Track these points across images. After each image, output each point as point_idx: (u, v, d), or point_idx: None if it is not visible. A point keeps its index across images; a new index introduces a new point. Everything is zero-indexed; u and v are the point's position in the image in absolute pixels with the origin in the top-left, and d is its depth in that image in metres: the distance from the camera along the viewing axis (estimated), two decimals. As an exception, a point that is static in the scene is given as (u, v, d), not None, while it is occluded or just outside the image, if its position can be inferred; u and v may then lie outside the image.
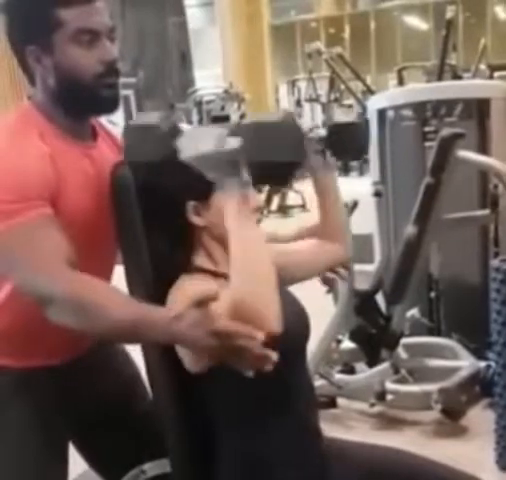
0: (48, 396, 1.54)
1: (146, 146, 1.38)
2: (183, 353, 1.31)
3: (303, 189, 9.31)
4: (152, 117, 1.39)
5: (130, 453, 1.67)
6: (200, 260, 1.44)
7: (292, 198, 9.18)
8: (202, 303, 1.14)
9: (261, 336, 1.15)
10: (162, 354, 1.40)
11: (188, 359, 1.31)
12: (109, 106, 1.49)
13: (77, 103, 1.46)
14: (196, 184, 1.35)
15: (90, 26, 1.41)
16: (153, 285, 1.41)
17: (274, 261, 1.27)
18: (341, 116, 1.59)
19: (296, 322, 1.45)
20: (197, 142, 1.22)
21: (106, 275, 1.61)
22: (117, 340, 1.43)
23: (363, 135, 1.62)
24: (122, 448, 1.68)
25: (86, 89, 1.43)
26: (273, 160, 1.22)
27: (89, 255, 1.42)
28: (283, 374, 1.39)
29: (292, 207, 9.37)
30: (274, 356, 1.17)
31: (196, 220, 1.40)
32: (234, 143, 1.19)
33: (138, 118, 1.53)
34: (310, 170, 1.60)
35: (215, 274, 1.40)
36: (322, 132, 1.56)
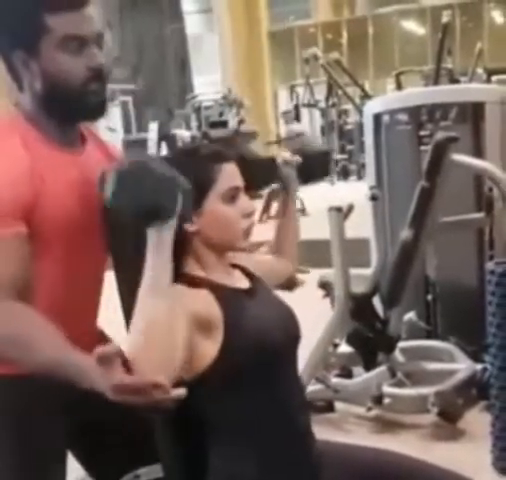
0: (44, 402, 1.54)
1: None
2: None
3: (302, 194, 9.35)
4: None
5: (125, 458, 1.66)
6: (189, 266, 1.44)
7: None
8: (102, 360, 1.10)
9: (163, 381, 1.11)
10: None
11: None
12: (96, 112, 1.49)
13: (64, 109, 1.45)
14: None
15: (78, 33, 1.41)
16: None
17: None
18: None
19: (282, 326, 1.45)
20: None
21: (97, 282, 1.61)
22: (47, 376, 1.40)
23: (329, 161, 1.90)
24: (117, 453, 1.68)
25: (73, 95, 1.43)
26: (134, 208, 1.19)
27: (76, 263, 1.41)
28: (270, 378, 1.39)
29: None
30: (182, 392, 1.14)
31: (188, 226, 1.40)
32: None
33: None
34: (281, 193, 1.78)
35: (203, 281, 1.40)
36: (298, 159, 1.77)
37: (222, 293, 1.39)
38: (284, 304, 1.54)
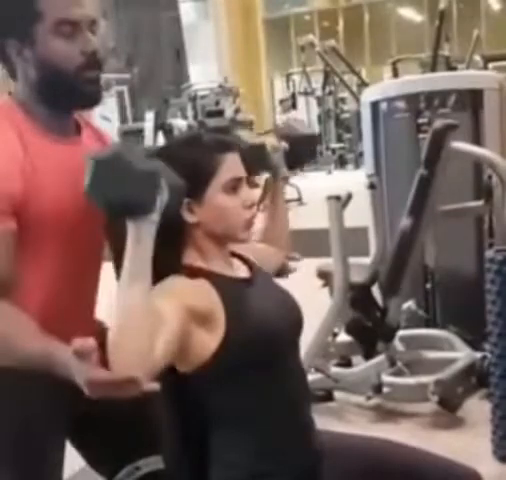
0: (43, 388, 1.53)
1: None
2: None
3: (298, 183, 9.32)
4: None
5: (125, 449, 1.66)
6: (191, 257, 1.43)
7: (288, 192, 9.18)
8: (78, 354, 1.10)
9: (137, 374, 1.11)
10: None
11: (176, 359, 1.30)
12: (91, 100, 1.48)
13: (59, 96, 1.44)
14: (189, 180, 1.34)
15: (71, 17, 1.39)
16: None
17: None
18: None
19: (284, 315, 1.45)
20: None
21: (93, 273, 1.61)
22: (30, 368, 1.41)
23: (315, 144, 1.92)
24: (117, 443, 1.68)
25: (68, 82, 1.42)
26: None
27: (71, 258, 1.41)
28: (272, 367, 1.39)
29: (288, 201, 9.38)
30: (155, 385, 1.14)
31: (189, 217, 1.39)
32: None
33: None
34: (271, 180, 1.78)
35: (204, 272, 1.39)
36: (285, 145, 1.78)
37: (223, 284, 1.39)
38: (285, 292, 1.54)
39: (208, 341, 1.33)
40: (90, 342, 1.10)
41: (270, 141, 1.77)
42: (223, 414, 1.40)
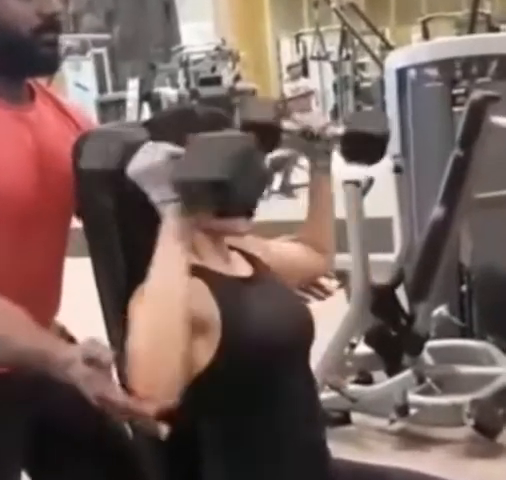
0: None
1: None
2: None
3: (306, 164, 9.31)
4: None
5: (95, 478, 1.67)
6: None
7: (297, 175, 9.16)
8: (91, 362, 1.16)
9: (151, 411, 1.17)
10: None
11: None
12: (48, 65, 1.54)
13: (13, 60, 1.49)
14: None
15: None
16: (127, 288, 1.38)
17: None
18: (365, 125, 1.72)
19: (291, 322, 1.45)
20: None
21: (52, 266, 1.63)
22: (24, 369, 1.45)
23: (384, 148, 1.72)
24: (84, 472, 1.68)
25: (23, 44, 1.47)
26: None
27: (27, 242, 1.42)
28: (276, 385, 1.39)
29: (297, 186, 9.36)
30: (165, 430, 1.19)
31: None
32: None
33: None
34: (311, 167, 1.72)
35: (198, 270, 1.40)
36: (338, 130, 1.69)
37: (219, 284, 1.39)
38: (295, 295, 1.53)
39: (201, 352, 1.33)
40: (109, 353, 1.17)
41: (333, 130, 1.69)
42: (218, 439, 1.40)
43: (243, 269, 1.52)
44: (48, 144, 1.51)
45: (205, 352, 1.34)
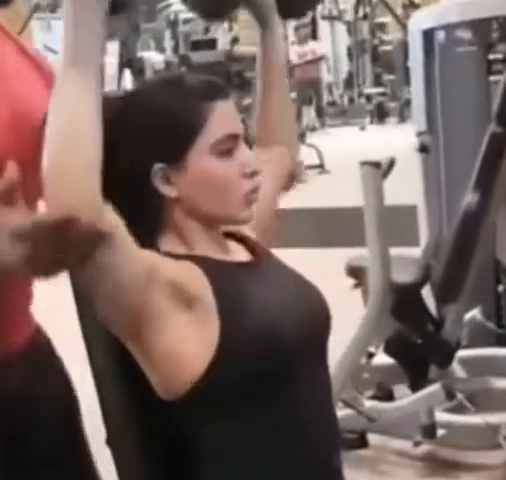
0: None
1: None
2: (158, 375, 1.33)
3: (319, 142, 9.32)
4: None
5: None
6: (169, 243, 1.43)
7: (305, 155, 9.13)
8: None
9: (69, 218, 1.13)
10: (122, 377, 1.42)
11: (157, 380, 1.32)
12: None
13: None
14: (165, 139, 1.34)
15: None
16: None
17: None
18: None
19: (300, 311, 1.44)
20: None
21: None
22: None
23: None
24: None
25: None
26: None
27: None
28: (284, 383, 1.39)
29: (305, 168, 9.35)
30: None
31: (165, 189, 1.40)
32: None
33: None
34: (259, 17, 1.85)
35: (187, 257, 1.40)
36: None
37: (214, 268, 1.39)
38: (304, 280, 1.53)
39: (202, 342, 1.33)
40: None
41: None
42: (215, 453, 1.41)
43: (240, 255, 1.52)
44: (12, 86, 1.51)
45: (205, 345, 1.33)
